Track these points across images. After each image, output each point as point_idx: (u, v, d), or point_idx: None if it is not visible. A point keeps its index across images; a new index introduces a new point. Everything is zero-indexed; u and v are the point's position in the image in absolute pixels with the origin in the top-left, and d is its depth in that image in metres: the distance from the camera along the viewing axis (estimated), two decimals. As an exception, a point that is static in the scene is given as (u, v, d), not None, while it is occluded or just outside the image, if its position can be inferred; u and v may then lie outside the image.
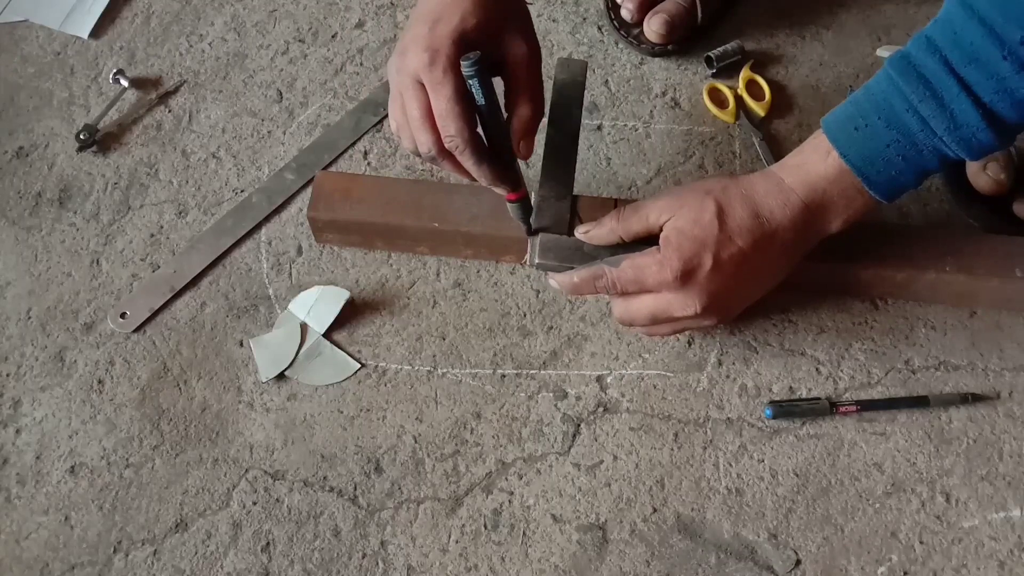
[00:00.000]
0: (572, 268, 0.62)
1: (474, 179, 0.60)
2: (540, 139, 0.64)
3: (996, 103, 0.52)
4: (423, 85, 0.56)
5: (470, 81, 0.56)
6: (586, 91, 0.71)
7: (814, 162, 0.58)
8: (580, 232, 0.64)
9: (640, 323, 0.62)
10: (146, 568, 0.63)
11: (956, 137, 0.53)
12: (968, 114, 0.52)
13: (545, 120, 0.64)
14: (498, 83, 0.60)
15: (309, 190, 0.76)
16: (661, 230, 0.59)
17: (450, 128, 0.55)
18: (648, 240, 0.60)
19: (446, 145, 0.56)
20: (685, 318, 0.59)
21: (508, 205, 0.63)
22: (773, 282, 0.63)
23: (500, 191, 0.62)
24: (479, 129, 0.58)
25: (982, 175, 0.73)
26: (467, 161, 0.57)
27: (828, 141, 0.58)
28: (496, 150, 0.59)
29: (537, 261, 0.64)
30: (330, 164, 0.80)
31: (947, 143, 0.54)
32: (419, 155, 0.59)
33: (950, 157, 0.55)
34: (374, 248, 0.75)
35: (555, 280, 0.63)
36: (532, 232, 0.65)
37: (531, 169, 0.78)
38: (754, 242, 0.58)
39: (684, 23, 0.82)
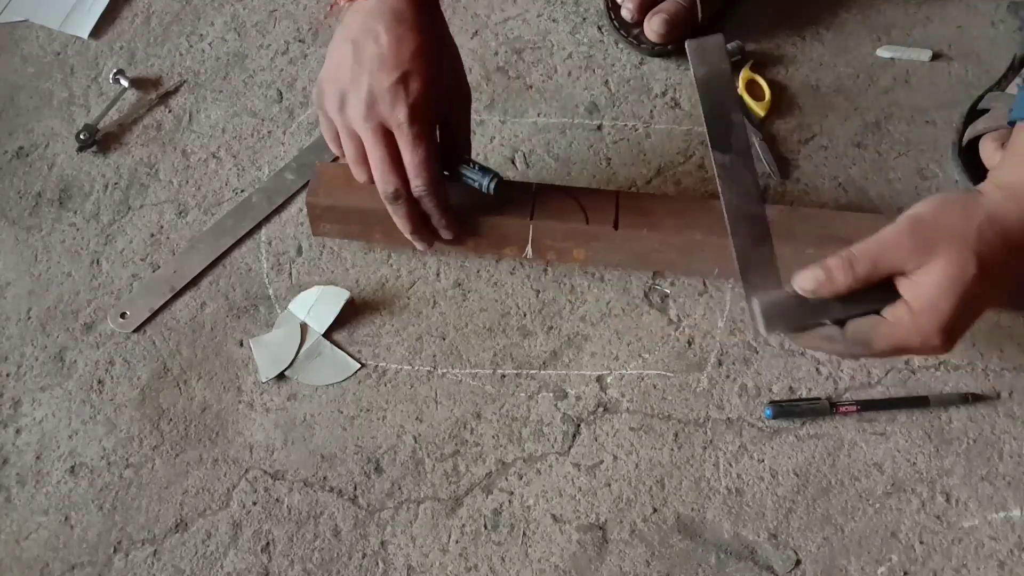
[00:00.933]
0: (803, 327, 0.55)
1: (414, 230, 0.64)
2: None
3: None
4: (390, 133, 0.57)
5: (485, 183, 0.63)
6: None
7: None
8: (805, 291, 0.54)
9: (874, 360, 0.58)
10: (146, 568, 0.63)
11: None
12: None
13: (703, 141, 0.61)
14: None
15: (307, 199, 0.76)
16: (904, 274, 0.53)
17: (424, 178, 0.59)
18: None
19: (414, 192, 0.60)
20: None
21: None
22: None
23: (445, 235, 0.66)
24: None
25: (999, 155, 0.71)
26: (429, 206, 0.62)
27: None
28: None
29: (764, 333, 0.56)
30: (330, 164, 0.80)
31: None
32: (364, 182, 0.62)
33: None
34: (372, 240, 0.74)
35: (797, 343, 0.59)
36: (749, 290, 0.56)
37: (531, 169, 0.78)
38: (1010, 275, 0.53)
39: (684, 23, 0.82)
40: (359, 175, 0.62)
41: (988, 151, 0.73)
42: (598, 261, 0.71)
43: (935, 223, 0.53)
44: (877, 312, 0.54)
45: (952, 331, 0.52)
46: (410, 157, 0.58)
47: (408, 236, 0.65)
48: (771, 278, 0.55)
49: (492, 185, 0.63)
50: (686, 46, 0.56)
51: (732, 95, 0.56)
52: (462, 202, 0.66)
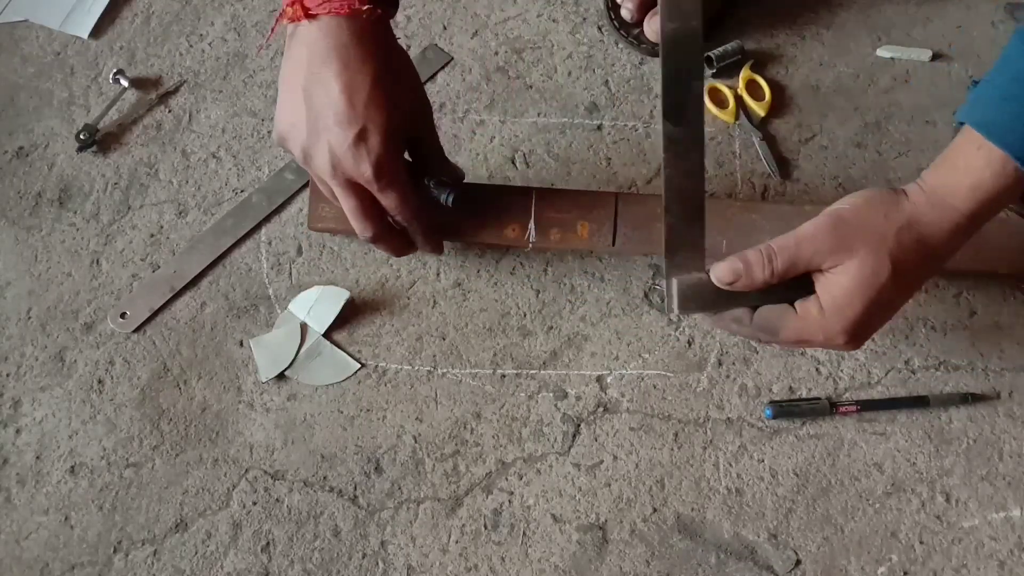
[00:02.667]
0: (716, 312, 0.56)
1: (403, 253, 0.65)
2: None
3: None
4: (358, 185, 0.57)
5: (445, 198, 0.62)
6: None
7: (991, 182, 0.52)
8: (723, 284, 0.54)
9: (782, 347, 0.60)
10: (146, 568, 0.63)
11: None
12: None
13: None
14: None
15: (310, 185, 0.76)
16: (820, 270, 0.53)
17: (403, 216, 0.60)
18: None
19: (407, 228, 0.61)
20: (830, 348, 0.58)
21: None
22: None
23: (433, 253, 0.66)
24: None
25: None
26: (412, 233, 0.63)
27: (1000, 151, 0.51)
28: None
29: (677, 309, 0.55)
30: (330, 164, 0.80)
31: None
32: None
33: None
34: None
35: (706, 324, 0.61)
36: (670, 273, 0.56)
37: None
38: (923, 280, 0.55)
39: (684, 23, 0.82)
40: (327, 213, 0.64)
41: None
42: (602, 243, 0.70)
43: (855, 223, 0.53)
44: (790, 303, 0.54)
45: (857, 332, 0.53)
46: (386, 203, 0.59)
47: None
48: (695, 259, 0.55)
49: (450, 199, 0.63)
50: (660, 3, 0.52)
51: (698, 61, 0.52)
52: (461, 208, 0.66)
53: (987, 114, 0.51)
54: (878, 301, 0.52)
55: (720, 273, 0.54)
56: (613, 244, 0.68)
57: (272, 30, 0.61)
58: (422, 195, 0.61)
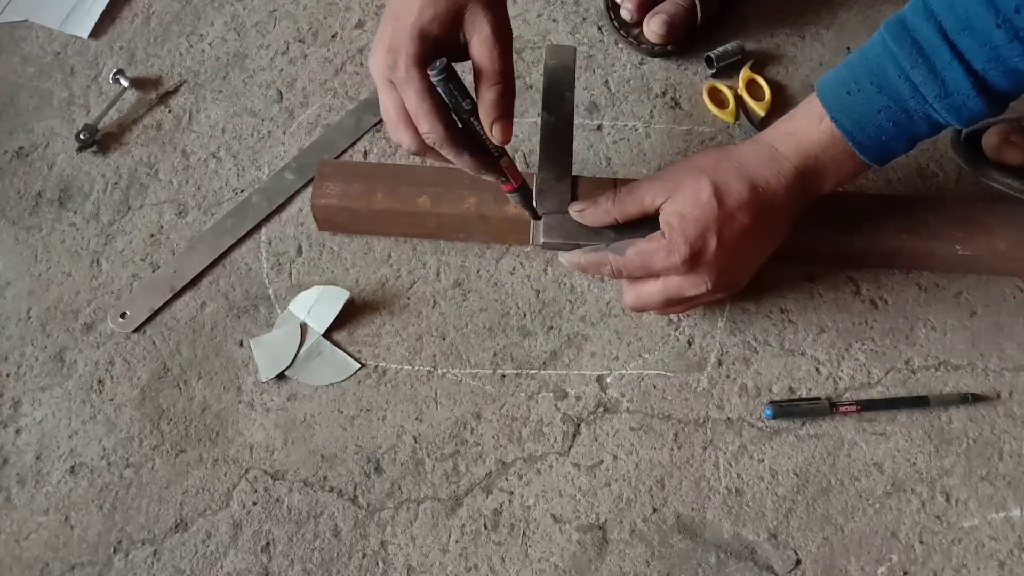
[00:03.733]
0: (579, 245, 0.64)
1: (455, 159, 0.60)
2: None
3: (988, 71, 0.51)
4: (393, 84, 0.56)
5: (439, 88, 0.56)
6: (577, 76, 0.72)
7: (806, 129, 0.59)
8: (575, 211, 0.64)
9: (653, 307, 0.64)
10: (146, 568, 0.63)
11: (946, 104, 0.53)
12: (959, 82, 0.52)
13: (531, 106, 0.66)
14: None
15: (311, 187, 0.76)
16: (657, 212, 0.60)
17: (424, 126, 0.56)
18: (643, 222, 0.61)
19: (426, 141, 0.57)
20: (698, 296, 0.61)
21: (508, 196, 0.65)
22: (773, 247, 0.64)
23: (490, 179, 0.62)
24: (455, 119, 0.58)
25: (1008, 148, 0.72)
26: (449, 154, 0.58)
27: (821, 106, 0.58)
28: (479, 141, 0.59)
29: (542, 240, 0.65)
30: (330, 164, 0.80)
31: (937, 110, 0.54)
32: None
33: (941, 124, 0.55)
34: (376, 230, 0.74)
35: (563, 258, 0.65)
36: (536, 217, 0.66)
37: (531, 169, 0.78)
38: (753, 214, 0.59)
39: (684, 23, 0.82)
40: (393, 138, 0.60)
41: (990, 143, 0.73)
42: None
43: (684, 163, 0.62)
44: None
45: (697, 251, 0.58)
46: (407, 103, 0.56)
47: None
48: (562, 207, 0.65)
49: (435, 73, 0.57)
50: (544, 48, 0.71)
51: (570, 85, 0.69)
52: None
53: (825, 78, 0.59)
54: (706, 219, 0.58)
55: (574, 204, 0.64)
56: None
57: None
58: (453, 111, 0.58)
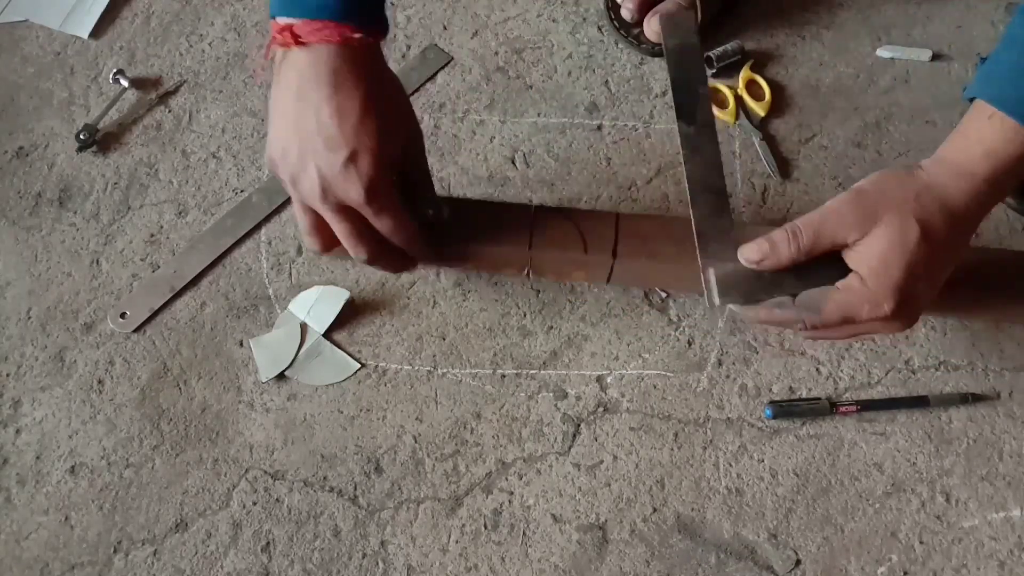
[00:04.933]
0: (756, 302, 0.55)
1: (402, 271, 0.64)
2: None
3: None
4: (350, 209, 0.56)
5: (436, 212, 0.61)
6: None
7: (1006, 149, 0.53)
8: (751, 262, 0.55)
9: (833, 341, 0.59)
10: (146, 568, 0.63)
11: None
12: None
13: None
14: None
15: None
16: (847, 246, 0.54)
17: (403, 237, 0.58)
18: (826, 258, 0.55)
19: (405, 248, 0.60)
20: (886, 331, 0.56)
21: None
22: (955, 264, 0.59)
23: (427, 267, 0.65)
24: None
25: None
26: (420, 254, 0.62)
27: (1015, 121, 0.52)
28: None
29: (718, 302, 0.55)
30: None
31: None
32: (322, 253, 0.61)
33: None
34: None
35: (745, 315, 0.58)
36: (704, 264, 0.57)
37: (531, 169, 0.78)
38: (956, 248, 0.55)
39: (684, 23, 0.82)
40: (312, 246, 0.61)
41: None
42: (599, 280, 0.70)
43: (876, 193, 0.54)
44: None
45: (904, 299, 0.53)
46: (380, 226, 0.58)
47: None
48: (728, 250, 0.55)
49: (445, 212, 0.63)
50: (658, 21, 0.56)
51: (700, 69, 0.58)
52: (456, 231, 0.65)
53: (997, 87, 0.53)
54: (915, 263, 0.52)
55: (747, 253, 0.55)
56: (608, 281, 0.68)
57: (265, 55, 0.60)
58: (416, 219, 0.60)
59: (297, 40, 0.54)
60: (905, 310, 0.53)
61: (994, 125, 0.53)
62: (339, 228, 0.57)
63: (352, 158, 0.54)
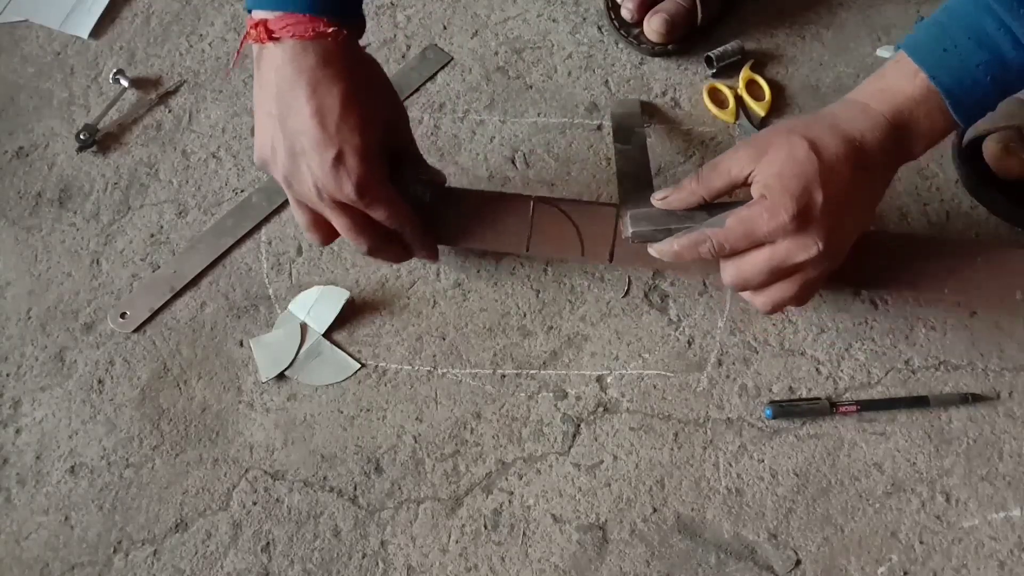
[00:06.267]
0: (670, 232, 0.60)
1: (401, 259, 0.65)
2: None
3: None
4: (346, 204, 0.57)
5: (423, 195, 0.63)
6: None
7: (899, 85, 0.56)
8: (657, 199, 0.60)
9: (758, 281, 0.58)
10: (146, 568, 0.63)
11: None
12: None
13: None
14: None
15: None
16: (747, 182, 0.57)
17: (399, 225, 0.60)
18: (730, 201, 0.58)
19: (403, 236, 0.61)
20: (808, 262, 0.56)
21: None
22: (873, 208, 0.60)
23: (425, 256, 0.66)
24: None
25: (1008, 156, 0.72)
26: (415, 243, 0.63)
27: (914, 63, 0.56)
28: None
29: (631, 231, 0.61)
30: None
31: None
32: (323, 245, 0.63)
33: None
34: None
35: (654, 250, 0.60)
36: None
37: (531, 169, 0.78)
38: (853, 166, 0.55)
39: (684, 23, 0.82)
40: (314, 241, 0.62)
41: (991, 151, 0.73)
42: (599, 254, 0.71)
43: (767, 132, 0.58)
44: None
45: (805, 209, 0.54)
46: (377, 217, 0.59)
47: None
48: (644, 203, 0.62)
49: (427, 195, 0.64)
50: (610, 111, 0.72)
51: (639, 120, 0.73)
52: (456, 219, 0.66)
53: (912, 37, 0.56)
54: (808, 172, 0.54)
55: (657, 194, 0.61)
56: (611, 260, 0.69)
57: (238, 52, 0.60)
58: (409, 202, 0.61)
59: (271, 35, 0.54)
60: (814, 226, 0.55)
61: (898, 67, 0.56)
62: (338, 223, 0.58)
63: (339, 158, 0.55)
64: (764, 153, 0.56)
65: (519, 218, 0.66)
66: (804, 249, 0.55)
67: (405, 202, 0.60)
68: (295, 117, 0.54)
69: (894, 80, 0.57)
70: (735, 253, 0.57)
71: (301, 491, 0.66)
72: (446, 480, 0.66)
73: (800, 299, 0.59)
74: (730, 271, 0.58)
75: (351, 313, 0.72)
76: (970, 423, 0.67)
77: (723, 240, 0.56)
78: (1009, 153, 0.72)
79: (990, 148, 0.73)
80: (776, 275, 0.57)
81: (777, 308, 0.60)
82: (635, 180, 0.66)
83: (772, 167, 0.55)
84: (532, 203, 0.67)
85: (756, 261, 0.56)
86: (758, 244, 0.56)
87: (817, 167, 0.54)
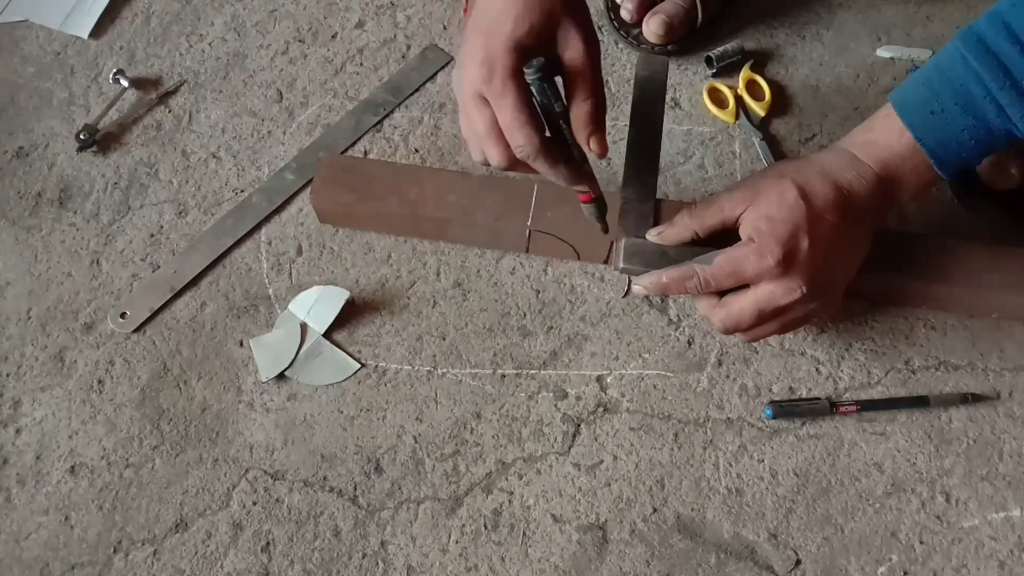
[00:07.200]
0: (655, 267, 0.61)
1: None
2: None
3: None
4: (485, 99, 0.55)
5: (534, 88, 0.55)
6: (668, 89, 0.72)
7: (886, 140, 0.59)
8: (653, 234, 0.62)
9: (746, 323, 0.60)
10: (146, 568, 0.63)
11: None
12: None
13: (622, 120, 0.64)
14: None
15: (310, 186, 0.76)
16: (738, 223, 0.59)
17: (518, 139, 0.54)
18: (724, 237, 0.59)
19: (517, 155, 0.56)
20: (793, 304, 0.58)
21: (582, 206, 0.62)
22: (861, 254, 0.62)
23: (579, 190, 0.61)
24: (548, 133, 0.56)
25: (1003, 174, 0.73)
26: (541, 167, 0.56)
27: (901, 121, 0.58)
28: (570, 151, 0.58)
29: (622, 266, 0.62)
30: (330, 164, 0.80)
31: (1020, 127, 0.54)
32: (488, 165, 0.58)
33: (1019, 137, 0.56)
34: (377, 226, 0.75)
35: (641, 284, 0.61)
36: (606, 230, 0.64)
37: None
38: (841, 214, 0.58)
39: (684, 23, 0.82)
40: (472, 154, 0.59)
41: (983, 164, 0.74)
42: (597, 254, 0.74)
43: (758, 174, 0.61)
44: None
45: (790, 254, 0.56)
46: (499, 117, 0.55)
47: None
48: (643, 228, 0.63)
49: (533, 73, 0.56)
50: (636, 59, 0.62)
51: (661, 100, 0.68)
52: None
53: (901, 91, 0.59)
54: (796, 218, 0.57)
55: (652, 229, 0.62)
56: (606, 261, 0.72)
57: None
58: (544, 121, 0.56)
59: None
60: (799, 271, 0.57)
61: (887, 122, 0.59)
62: (475, 120, 0.56)
63: (487, 39, 0.54)
64: (756, 195, 0.58)
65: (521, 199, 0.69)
66: (788, 292, 0.57)
67: (532, 115, 0.55)
68: (476, 14, 0.56)
69: (882, 134, 0.59)
70: (720, 291, 0.60)
71: (301, 491, 0.66)
72: (446, 480, 0.66)
73: (784, 331, 0.63)
74: (718, 314, 0.61)
75: (351, 313, 0.72)
76: (970, 423, 0.67)
77: (710, 277, 0.58)
78: (1001, 166, 0.73)
79: (986, 163, 0.74)
80: (763, 315, 0.59)
81: (759, 339, 0.64)
82: (638, 184, 0.65)
83: (761, 209, 0.58)
84: (528, 233, 0.70)
85: (743, 304, 0.59)
86: (743, 284, 0.59)
87: (805, 213, 0.57)
